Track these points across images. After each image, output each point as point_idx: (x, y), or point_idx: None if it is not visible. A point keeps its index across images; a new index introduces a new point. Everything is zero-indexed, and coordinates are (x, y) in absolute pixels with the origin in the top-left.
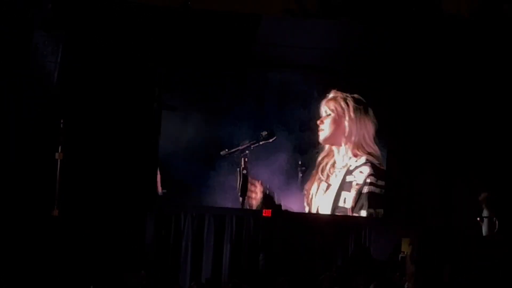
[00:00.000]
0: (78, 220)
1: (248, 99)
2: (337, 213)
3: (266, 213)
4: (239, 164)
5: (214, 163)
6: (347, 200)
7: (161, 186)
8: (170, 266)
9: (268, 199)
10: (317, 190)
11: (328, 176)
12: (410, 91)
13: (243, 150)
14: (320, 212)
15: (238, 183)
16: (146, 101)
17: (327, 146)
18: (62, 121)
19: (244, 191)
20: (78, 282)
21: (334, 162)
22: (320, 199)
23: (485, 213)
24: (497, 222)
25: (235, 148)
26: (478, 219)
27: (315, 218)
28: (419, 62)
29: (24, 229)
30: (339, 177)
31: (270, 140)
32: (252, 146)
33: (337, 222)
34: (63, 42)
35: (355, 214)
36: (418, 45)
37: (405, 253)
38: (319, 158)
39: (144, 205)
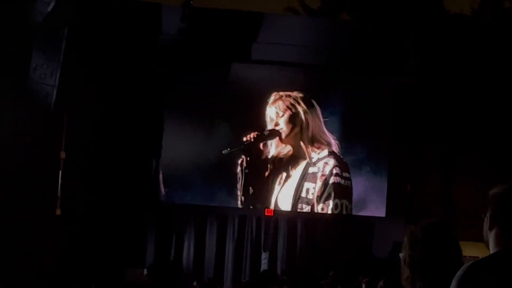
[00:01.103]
0: (81, 219)
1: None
2: (299, 204)
3: (269, 212)
4: (241, 163)
5: (216, 162)
6: (310, 190)
7: (163, 185)
8: (172, 265)
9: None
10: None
11: (285, 168)
12: (412, 89)
13: (245, 149)
14: (280, 203)
15: (240, 182)
16: (149, 101)
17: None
18: (65, 121)
19: (246, 190)
20: (80, 280)
21: (291, 155)
22: (276, 190)
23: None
24: (490, 218)
25: (236, 147)
26: (483, 215)
27: (318, 218)
28: (422, 60)
29: (27, 228)
30: (299, 169)
31: (273, 139)
32: (252, 145)
33: (339, 222)
34: (65, 44)
35: (320, 205)
36: (420, 43)
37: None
38: (274, 152)
39: (146, 204)
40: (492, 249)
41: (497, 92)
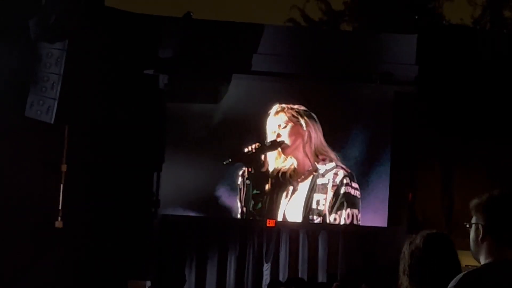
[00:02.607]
0: (82, 231)
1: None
2: (310, 215)
3: (270, 223)
4: (242, 174)
5: (217, 173)
6: (321, 202)
7: (165, 196)
8: (174, 276)
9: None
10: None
11: (290, 182)
12: (412, 98)
13: (246, 160)
14: (288, 216)
15: (242, 193)
16: (150, 110)
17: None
18: (66, 133)
19: (248, 201)
20: None
21: (295, 168)
22: (283, 203)
23: (473, 220)
24: (482, 229)
25: (238, 156)
26: (467, 225)
27: (320, 227)
28: (422, 69)
29: (29, 241)
30: (307, 181)
31: (274, 150)
32: (254, 156)
33: (340, 231)
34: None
35: (333, 215)
36: (421, 52)
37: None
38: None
39: (148, 216)
40: (483, 260)
41: (498, 102)
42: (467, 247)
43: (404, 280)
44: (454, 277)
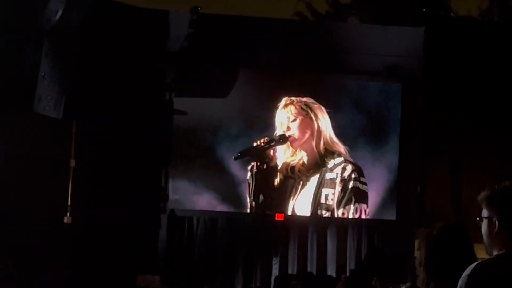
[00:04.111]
0: (91, 226)
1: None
2: (319, 210)
3: (279, 217)
4: (251, 169)
5: (227, 167)
6: (329, 196)
7: (173, 191)
8: (183, 270)
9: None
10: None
11: (298, 176)
12: (420, 91)
13: (255, 154)
14: (297, 210)
15: (251, 188)
16: (158, 108)
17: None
18: (74, 128)
19: (257, 195)
20: (92, 287)
21: (305, 161)
22: (291, 197)
23: (484, 213)
24: (497, 222)
25: (247, 151)
26: (478, 219)
27: (327, 221)
28: (430, 62)
29: (38, 236)
30: (316, 175)
31: (283, 144)
32: (266, 150)
33: (348, 224)
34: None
35: (341, 210)
36: (428, 45)
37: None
38: (285, 159)
39: (156, 210)
40: (497, 252)
41: (506, 94)
42: (476, 240)
43: (421, 272)
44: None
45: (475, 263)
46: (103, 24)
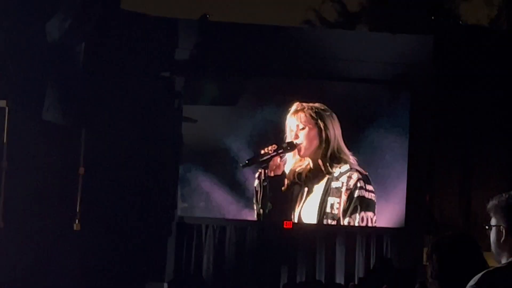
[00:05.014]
0: (100, 233)
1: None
2: (325, 219)
3: (287, 225)
4: (258, 176)
5: (234, 175)
6: (335, 205)
7: (181, 199)
8: (192, 278)
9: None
10: (292, 196)
11: (305, 183)
12: (429, 99)
13: (263, 161)
14: (303, 218)
15: (258, 195)
16: (167, 113)
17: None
18: (83, 135)
19: (265, 203)
20: None
21: (311, 168)
22: (298, 205)
23: (493, 221)
24: (504, 230)
25: (255, 158)
26: (487, 227)
27: (335, 229)
28: (439, 70)
29: (48, 243)
30: (321, 183)
31: (291, 152)
32: (273, 157)
33: (357, 232)
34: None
35: (347, 219)
36: (437, 53)
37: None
38: (292, 166)
39: (165, 217)
40: (505, 261)
41: None
42: (485, 248)
43: (432, 284)
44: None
45: (482, 272)
46: (112, 32)
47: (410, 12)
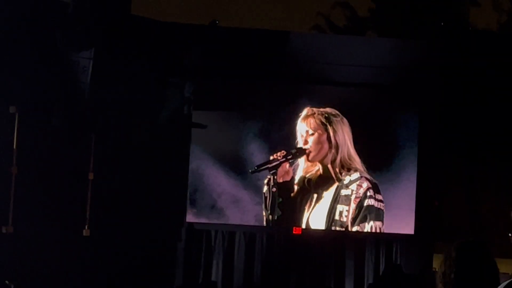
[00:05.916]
0: (109, 240)
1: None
2: (333, 227)
3: (297, 231)
4: (267, 182)
5: (243, 181)
6: (344, 213)
7: (191, 204)
8: (201, 284)
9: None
10: (301, 202)
11: (314, 189)
12: (438, 106)
13: (272, 167)
14: (312, 225)
15: (267, 201)
16: (176, 118)
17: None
18: (93, 141)
19: (273, 209)
20: None
21: (320, 175)
22: (306, 211)
23: None
24: None
25: (263, 165)
26: (510, 235)
27: (345, 235)
28: (447, 76)
29: (57, 249)
30: (331, 190)
31: (300, 158)
32: (282, 163)
33: (367, 239)
34: (93, 61)
35: (355, 227)
36: (446, 59)
37: (436, 269)
38: (302, 172)
39: (174, 223)
40: None
41: None
42: (498, 255)
43: None
44: (492, 285)
45: (508, 281)
46: (122, 38)
47: (419, 18)
